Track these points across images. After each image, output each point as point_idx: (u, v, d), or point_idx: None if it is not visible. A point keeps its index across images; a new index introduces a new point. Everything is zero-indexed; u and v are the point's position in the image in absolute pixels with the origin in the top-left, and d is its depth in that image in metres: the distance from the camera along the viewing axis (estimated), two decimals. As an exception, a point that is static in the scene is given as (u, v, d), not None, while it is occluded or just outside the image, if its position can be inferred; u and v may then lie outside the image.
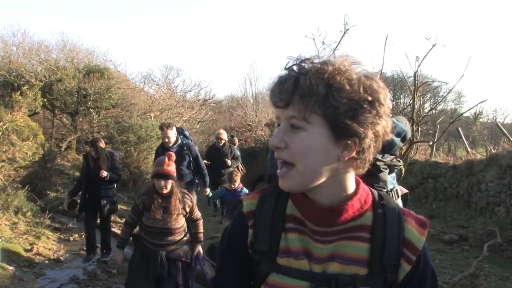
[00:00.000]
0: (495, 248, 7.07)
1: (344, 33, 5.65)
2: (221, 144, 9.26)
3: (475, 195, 9.51)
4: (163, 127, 6.44)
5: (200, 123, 26.16)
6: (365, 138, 1.02)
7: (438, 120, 10.99)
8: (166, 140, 6.39)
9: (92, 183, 6.61)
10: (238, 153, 10.07)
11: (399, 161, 1.71)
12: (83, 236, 7.91)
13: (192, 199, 4.31)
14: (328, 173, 1.05)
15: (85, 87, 16.55)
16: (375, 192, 1.18)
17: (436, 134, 12.10)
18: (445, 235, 8.18)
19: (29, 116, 12.41)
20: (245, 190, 6.57)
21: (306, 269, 1.10)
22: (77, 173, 13.73)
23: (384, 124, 1.04)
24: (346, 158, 1.04)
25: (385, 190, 1.41)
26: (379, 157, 1.59)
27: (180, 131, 6.92)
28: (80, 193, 6.87)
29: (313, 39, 5.86)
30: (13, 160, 9.06)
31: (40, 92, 12.39)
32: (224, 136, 9.42)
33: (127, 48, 59.08)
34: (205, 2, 65.21)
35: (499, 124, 14.52)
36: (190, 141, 7.03)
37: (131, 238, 4.31)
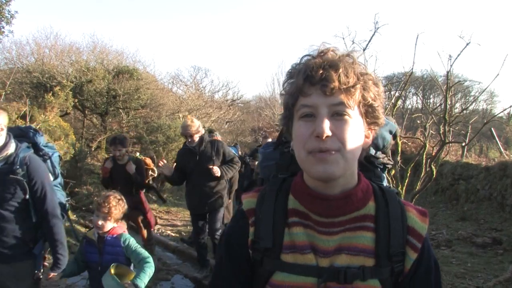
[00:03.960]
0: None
1: (375, 32, 5.55)
2: (194, 144, 5.31)
3: (510, 197, 9.26)
4: None
5: (228, 123, 26.31)
6: (380, 126, 1.13)
7: (471, 121, 10.73)
8: None
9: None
10: (232, 151, 5.94)
11: (390, 160, 1.73)
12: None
13: None
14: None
15: (114, 88, 16.81)
16: (374, 184, 1.20)
17: (468, 134, 11.83)
18: (477, 238, 7.98)
19: (60, 116, 12.70)
20: (131, 242, 3.21)
21: (312, 264, 1.08)
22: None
23: None
24: (367, 146, 1.13)
25: None
26: (373, 153, 1.61)
27: (23, 132, 3.31)
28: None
29: (343, 38, 5.77)
30: (45, 160, 9.25)
31: (71, 93, 12.65)
32: (195, 127, 5.28)
33: (156, 49, 59.82)
34: (233, 3, 65.52)
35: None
36: (50, 154, 3.27)
37: None
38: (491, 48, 53.17)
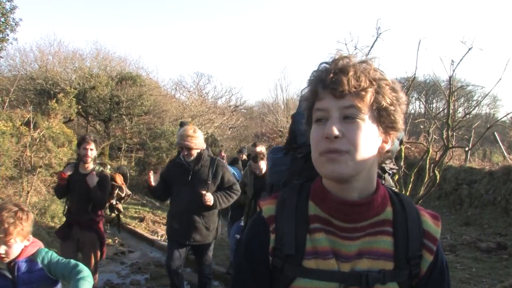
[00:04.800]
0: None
1: (377, 37, 5.56)
2: (190, 159, 4.40)
3: (514, 202, 9.22)
4: None
5: (231, 129, 26.27)
6: (398, 131, 1.13)
7: (474, 125, 10.72)
8: None
9: None
10: (233, 176, 4.87)
11: (395, 165, 1.75)
12: (116, 241, 8.07)
13: None
14: (370, 164, 1.10)
15: (117, 94, 16.87)
16: (388, 189, 1.23)
17: (471, 139, 11.81)
18: (482, 243, 7.94)
19: (64, 123, 12.72)
20: (51, 256, 2.50)
21: (334, 269, 1.09)
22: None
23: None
24: (385, 150, 1.13)
25: None
26: None
27: None
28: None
29: (345, 44, 5.78)
30: (49, 166, 9.29)
31: (74, 99, 12.70)
32: (197, 139, 4.37)
33: (159, 56, 60.10)
34: (236, 9, 65.77)
35: (537, 128, 14.07)
36: None
37: None
38: (494, 53, 53.17)
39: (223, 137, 23.70)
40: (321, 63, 1.12)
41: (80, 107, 15.14)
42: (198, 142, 4.31)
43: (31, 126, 9.14)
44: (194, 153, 4.34)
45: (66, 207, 4.70)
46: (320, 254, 1.11)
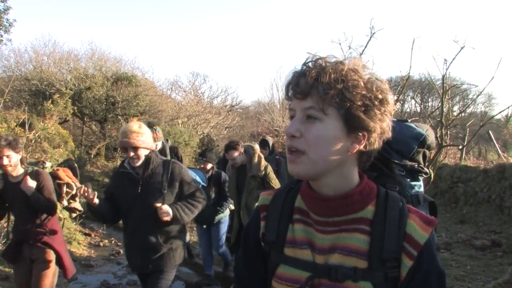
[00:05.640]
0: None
1: (371, 37, 5.59)
2: (137, 165, 3.34)
3: (508, 200, 9.26)
4: None
5: (227, 129, 26.28)
6: (374, 132, 1.11)
7: (468, 123, 10.77)
8: None
9: None
10: (195, 179, 4.02)
11: (422, 168, 1.67)
12: (113, 242, 8.07)
13: None
14: (336, 163, 1.11)
15: (113, 95, 16.86)
16: (383, 189, 1.20)
17: (466, 137, 11.86)
18: (476, 240, 7.98)
19: (59, 123, 12.72)
20: None
21: (309, 260, 1.15)
22: (107, 180, 13.98)
23: (388, 122, 1.14)
24: (355, 151, 1.11)
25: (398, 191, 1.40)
26: (397, 160, 1.59)
27: None
28: None
29: (339, 44, 5.80)
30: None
31: (70, 100, 12.68)
32: (144, 136, 3.32)
33: (154, 56, 59.74)
34: (230, 9, 65.71)
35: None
36: None
37: None
38: (488, 51, 53.38)
39: (219, 137, 23.71)
40: (302, 64, 1.14)
41: (75, 107, 15.12)
42: (145, 139, 3.32)
43: (27, 127, 9.14)
44: (142, 154, 3.31)
45: (12, 224, 3.97)
46: (297, 244, 1.18)
